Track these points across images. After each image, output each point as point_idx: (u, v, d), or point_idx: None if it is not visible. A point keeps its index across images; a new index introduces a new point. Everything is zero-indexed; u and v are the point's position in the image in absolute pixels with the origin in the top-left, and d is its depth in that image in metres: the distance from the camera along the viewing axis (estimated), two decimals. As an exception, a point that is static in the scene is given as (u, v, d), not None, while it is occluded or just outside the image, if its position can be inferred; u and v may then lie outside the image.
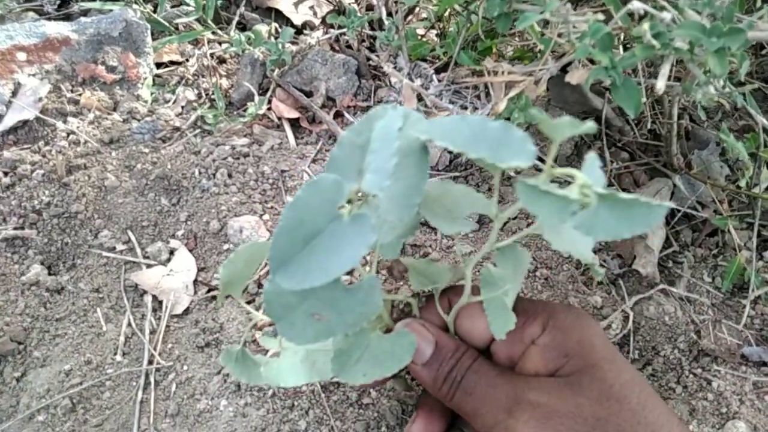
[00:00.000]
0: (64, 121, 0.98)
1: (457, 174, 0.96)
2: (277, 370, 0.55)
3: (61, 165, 0.91)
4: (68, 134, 0.96)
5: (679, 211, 0.90)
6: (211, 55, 1.18)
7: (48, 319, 0.80)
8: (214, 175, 0.93)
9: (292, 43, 1.16)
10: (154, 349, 0.77)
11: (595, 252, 0.86)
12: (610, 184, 0.91)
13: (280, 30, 1.12)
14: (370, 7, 1.24)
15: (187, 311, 0.82)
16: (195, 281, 0.84)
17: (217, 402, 0.72)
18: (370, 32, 1.16)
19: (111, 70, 1.06)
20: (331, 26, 1.21)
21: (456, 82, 0.98)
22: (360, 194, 0.44)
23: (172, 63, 1.19)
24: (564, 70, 0.81)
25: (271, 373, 0.55)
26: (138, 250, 0.87)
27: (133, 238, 0.89)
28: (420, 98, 1.01)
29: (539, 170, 0.87)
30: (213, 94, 1.08)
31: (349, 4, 1.23)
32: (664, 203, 0.35)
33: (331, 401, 0.72)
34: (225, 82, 1.14)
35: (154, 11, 1.13)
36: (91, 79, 1.05)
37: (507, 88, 0.80)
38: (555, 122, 0.36)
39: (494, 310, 0.55)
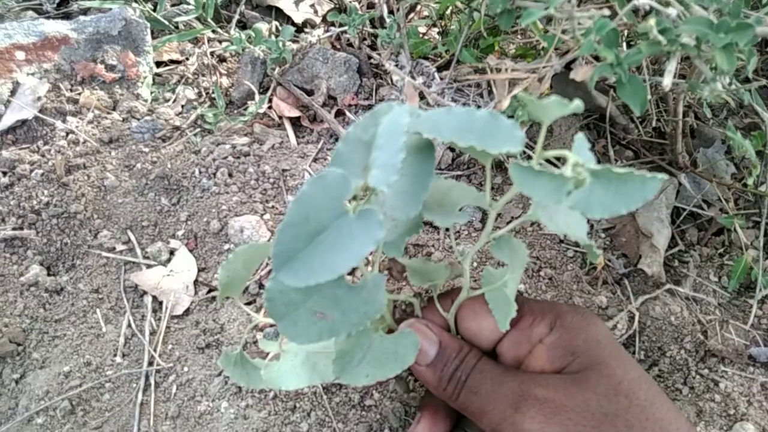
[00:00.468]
0: (63, 121, 0.97)
1: (459, 173, 0.95)
2: (278, 373, 0.54)
3: (60, 165, 0.90)
4: (67, 134, 0.95)
5: (684, 209, 0.89)
6: (212, 53, 1.17)
7: (47, 320, 0.79)
8: (214, 174, 0.93)
9: (293, 41, 1.15)
10: (154, 350, 0.76)
11: (601, 251, 0.85)
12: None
13: (280, 28, 1.12)
14: (371, 5, 1.23)
15: (187, 312, 0.81)
16: (195, 282, 0.83)
17: (218, 404, 0.71)
18: (372, 30, 1.15)
19: (110, 69, 1.05)
20: (332, 24, 1.20)
21: (458, 80, 0.98)
22: (365, 191, 0.43)
23: (172, 62, 1.19)
24: (568, 67, 0.80)
25: (271, 376, 0.54)
26: (138, 251, 0.87)
27: (132, 239, 0.88)
28: (422, 96, 1.00)
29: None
30: (213, 93, 1.07)
31: (350, 2, 1.22)
32: (658, 175, 0.34)
33: (333, 403, 0.71)
34: (225, 81, 1.13)
35: (154, 10, 1.12)
36: (91, 78, 1.04)
37: (510, 85, 0.79)
38: (543, 103, 0.36)
39: (496, 302, 0.55)
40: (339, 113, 1.06)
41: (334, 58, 1.10)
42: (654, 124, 0.89)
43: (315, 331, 0.45)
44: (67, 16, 1.19)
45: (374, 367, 0.51)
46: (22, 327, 0.78)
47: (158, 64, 1.16)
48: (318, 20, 1.28)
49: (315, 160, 0.98)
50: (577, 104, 0.36)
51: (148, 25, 1.10)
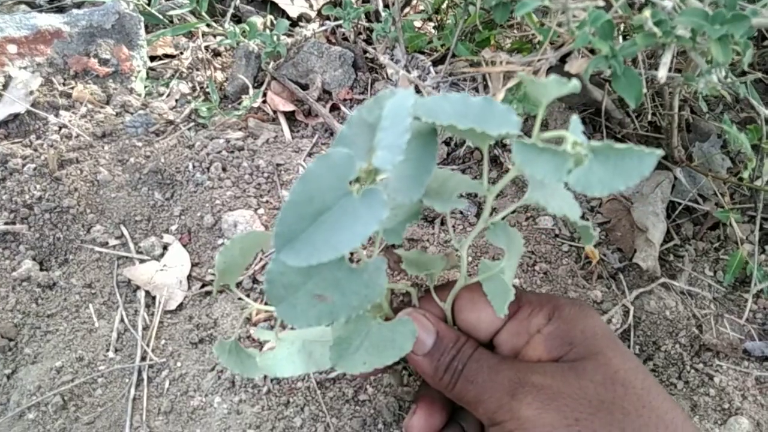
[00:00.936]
0: (56, 115, 0.96)
1: (455, 167, 0.95)
2: (273, 360, 0.54)
3: (53, 159, 0.90)
4: (60, 128, 0.95)
5: (680, 204, 0.88)
6: (206, 47, 1.16)
7: (39, 315, 0.78)
8: (208, 168, 0.92)
9: (288, 35, 1.14)
10: (147, 345, 0.76)
11: (595, 246, 0.84)
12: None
13: (275, 22, 1.11)
14: (366, -1, 1.23)
15: (180, 307, 0.80)
16: (189, 276, 0.83)
17: (211, 399, 0.71)
18: (367, 24, 1.15)
19: (104, 63, 1.04)
20: (327, 18, 1.19)
21: (453, 73, 0.97)
22: (368, 174, 0.43)
23: (166, 56, 1.18)
24: (563, 60, 0.79)
25: (266, 363, 0.53)
26: (131, 245, 0.86)
27: (126, 233, 0.87)
28: (417, 90, 1.00)
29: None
30: (207, 87, 1.07)
31: (346, -5, 1.21)
32: (656, 150, 0.34)
33: (326, 398, 0.71)
34: (220, 75, 1.13)
35: (148, 4, 1.11)
36: (84, 72, 1.03)
37: (505, 78, 0.78)
38: (541, 82, 0.36)
39: (493, 289, 0.55)
40: (334, 108, 1.06)
41: (329, 52, 1.09)
42: (649, 118, 0.89)
43: (314, 314, 0.44)
44: (60, 10, 1.18)
45: (372, 354, 0.51)
46: (14, 322, 0.77)
47: (152, 58, 1.15)
48: (313, 14, 1.27)
49: (310, 154, 0.97)
50: (575, 84, 0.36)
51: (142, 18, 1.09)
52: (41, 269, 0.83)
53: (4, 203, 0.86)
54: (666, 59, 0.58)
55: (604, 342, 0.53)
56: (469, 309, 0.58)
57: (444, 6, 1.16)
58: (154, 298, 0.81)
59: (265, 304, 0.75)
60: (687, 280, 0.82)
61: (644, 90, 0.64)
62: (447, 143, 0.98)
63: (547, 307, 0.56)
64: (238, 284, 0.81)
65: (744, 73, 0.85)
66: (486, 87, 0.97)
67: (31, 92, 0.96)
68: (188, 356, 0.75)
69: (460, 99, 0.42)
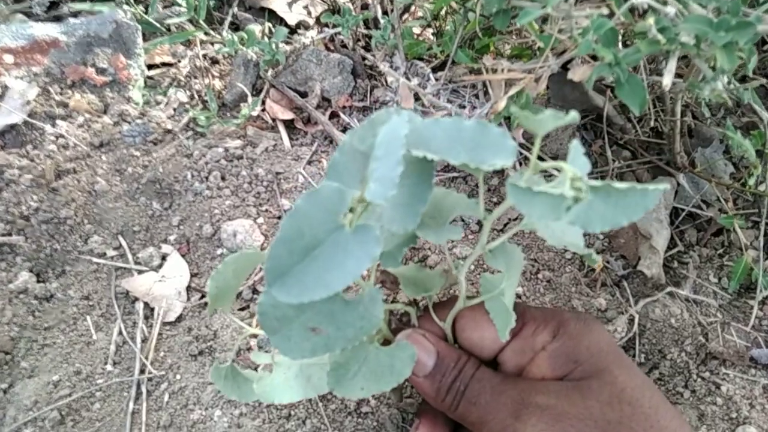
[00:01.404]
0: (53, 125, 0.95)
1: (456, 174, 0.94)
2: (270, 386, 0.53)
3: (50, 169, 0.89)
4: (57, 138, 0.94)
5: (683, 210, 0.88)
6: (204, 56, 1.16)
7: (36, 328, 0.77)
8: (206, 178, 0.91)
9: (286, 42, 1.14)
10: (146, 358, 0.75)
11: (598, 253, 0.84)
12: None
13: (273, 30, 1.10)
14: (365, 6, 1.22)
15: (179, 318, 0.79)
16: (188, 287, 0.82)
17: (211, 412, 0.70)
18: (366, 31, 1.14)
19: (101, 72, 1.04)
20: (326, 25, 1.19)
21: (454, 81, 0.96)
22: (362, 202, 0.42)
23: (164, 65, 1.17)
24: (565, 67, 0.79)
25: (263, 390, 0.52)
26: (129, 256, 0.85)
27: (124, 244, 0.86)
28: (417, 98, 0.99)
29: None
30: (205, 95, 1.06)
31: (344, 2, 1.21)
32: (660, 186, 0.34)
33: (329, 410, 0.70)
34: (218, 84, 1.12)
35: (146, 12, 1.10)
36: (81, 81, 1.02)
37: (507, 86, 0.78)
38: (537, 116, 0.35)
39: (495, 310, 0.54)
40: (333, 115, 1.05)
41: (328, 59, 1.08)
42: (652, 124, 0.88)
43: (309, 347, 0.44)
44: (57, 19, 1.17)
45: (370, 380, 0.50)
46: (11, 335, 0.76)
47: (150, 66, 1.15)
48: (311, 22, 1.27)
49: (309, 162, 0.97)
50: (573, 116, 0.35)
51: (139, 27, 1.09)
52: (38, 281, 0.82)
53: (0, 214, 0.85)
54: (671, 66, 0.57)
55: (610, 358, 0.52)
56: (471, 328, 0.57)
57: (443, 13, 1.15)
58: (152, 309, 0.80)
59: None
60: (692, 287, 0.81)
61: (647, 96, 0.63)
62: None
63: (552, 323, 0.55)
64: (238, 295, 0.80)
65: (745, 78, 0.84)
66: (486, 93, 0.96)
67: (28, 102, 0.95)
68: (188, 369, 0.74)
69: (452, 124, 0.41)
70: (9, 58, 0.98)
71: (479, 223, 0.89)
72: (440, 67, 1.06)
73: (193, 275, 0.83)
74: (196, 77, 1.12)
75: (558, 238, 0.48)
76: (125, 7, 1.10)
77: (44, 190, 0.87)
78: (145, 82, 1.10)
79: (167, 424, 0.69)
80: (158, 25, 1.16)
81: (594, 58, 0.71)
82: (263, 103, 1.05)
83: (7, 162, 0.89)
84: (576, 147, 0.37)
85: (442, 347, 0.55)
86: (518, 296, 0.79)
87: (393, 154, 0.39)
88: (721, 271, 0.85)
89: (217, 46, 1.15)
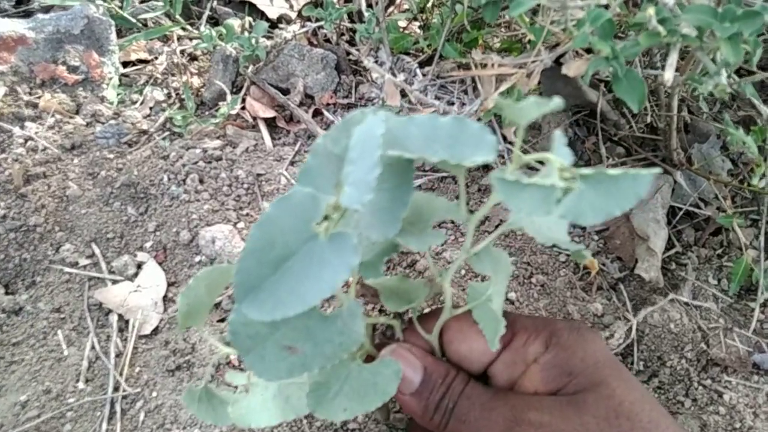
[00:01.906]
0: (21, 127, 0.91)
1: (444, 174, 0.90)
2: (247, 409, 0.49)
3: (18, 174, 0.84)
4: (26, 140, 0.89)
5: (680, 209, 0.84)
6: (182, 52, 1.11)
7: (3, 343, 0.73)
8: (184, 180, 0.87)
9: (267, 37, 1.10)
10: (120, 374, 0.71)
11: (594, 255, 0.80)
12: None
13: (253, 24, 1.06)
14: (348, -1, 1.18)
15: (156, 331, 0.75)
16: (165, 297, 0.78)
17: (189, 431, 0.66)
18: (350, 25, 1.10)
19: (72, 70, 0.99)
20: (308, 19, 1.14)
21: (441, 76, 0.93)
22: (338, 209, 0.39)
23: (141, 62, 1.12)
24: (558, 61, 0.75)
25: (239, 413, 0.49)
26: (103, 265, 0.81)
27: (97, 252, 0.82)
28: (404, 94, 0.95)
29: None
30: (183, 93, 1.02)
31: (327, -5, 1.17)
32: (651, 170, 0.31)
33: (314, 427, 0.66)
34: (196, 81, 1.07)
35: (121, 7, 1.05)
36: (51, 80, 0.98)
37: (497, 82, 0.74)
38: (518, 105, 0.33)
39: (484, 316, 0.51)
40: (317, 113, 1.01)
41: (311, 54, 1.04)
42: (647, 119, 0.85)
43: (285, 367, 0.41)
44: (27, 15, 1.13)
45: (352, 399, 0.47)
46: (-24, 352, 0.72)
47: (125, 64, 1.10)
48: (293, 15, 1.22)
49: (292, 163, 0.93)
50: (557, 102, 0.32)
51: (113, 22, 1.04)
52: (6, 293, 0.78)
53: (-36, 223, 0.80)
54: (672, 60, 0.54)
55: (606, 370, 0.49)
56: (459, 339, 0.54)
57: (429, 5, 1.11)
58: (127, 322, 0.76)
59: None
60: (691, 290, 0.78)
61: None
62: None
63: (544, 333, 0.52)
64: (217, 305, 0.76)
65: (742, 72, 0.81)
66: (476, 89, 0.93)
67: (-6, 103, 0.91)
68: (164, 385, 0.70)
69: (427, 121, 0.39)
70: (-27, 57, 0.93)
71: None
72: (427, 61, 1.03)
73: (170, 284, 0.79)
74: (173, 75, 1.08)
75: (546, 235, 0.45)
76: (98, 1, 1.05)
77: (12, 196, 0.83)
78: (120, 81, 1.06)
79: (143, 444, 0.66)
80: (133, 20, 1.11)
81: (588, 51, 0.68)
82: (243, 101, 1.01)
83: (-29, 167, 0.84)
84: (558, 137, 0.35)
85: (428, 362, 0.52)
86: (511, 302, 0.76)
87: (369, 155, 0.36)
88: (720, 272, 0.82)
89: (195, 42, 1.11)
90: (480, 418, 0.48)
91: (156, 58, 1.12)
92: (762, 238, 0.80)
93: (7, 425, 0.66)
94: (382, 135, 0.35)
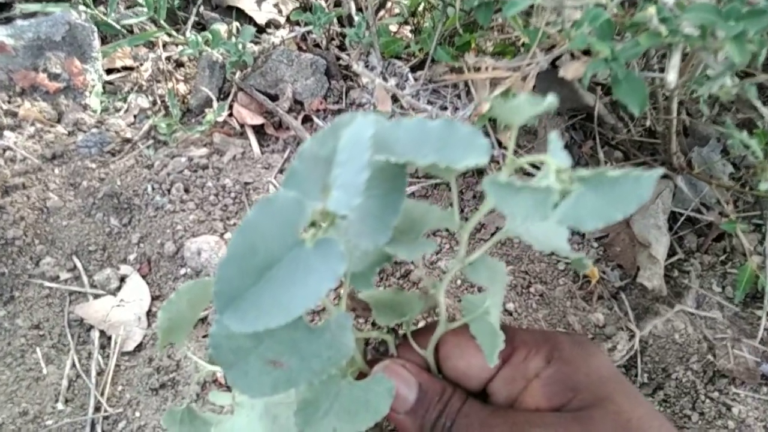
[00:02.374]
0: (0, 136, 0.88)
1: (438, 181, 0.88)
2: (232, 430, 0.47)
3: (-4, 185, 0.81)
4: (4, 150, 0.86)
5: (681, 214, 0.82)
6: (168, 58, 1.08)
7: (-21, 363, 0.70)
8: (169, 190, 0.84)
9: (255, 42, 1.07)
10: (102, 393, 0.68)
11: (594, 263, 0.78)
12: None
13: (240, 29, 1.03)
14: (338, 3, 1.15)
15: (139, 347, 0.72)
16: (148, 312, 0.75)
17: (173, 454, 0.63)
18: (340, 29, 1.08)
19: (54, 77, 0.96)
20: (297, 24, 1.12)
21: (434, 80, 0.90)
22: (325, 216, 0.36)
23: (125, 69, 1.10)
24: (553, 64, 0.73)
25: (223, 435, 0.46)
26: (84, 279, 0.78)
27: (79, 265, 0.79)
28: (395, 99, 0.93)
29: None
30: (168, 100, 0.99)
31: (316, 0, 1.14)
32: (654, 172, 0.29)
33: (304, 448, 0.63)
34: (182, 88, 1.05)
35: (106, 13, 1.03)
36: (32, 88, 0.95)
37: (491, 85, 0.71)
38: (511, 103, 0.32)
39: (481, 330, 0.48)
40: (306, 119, 0.98)
41: (300, 59, 1.02)
42: (646, 123, 0.82)
43: (269, 382, 0.38)
44: (8, 21, 1.09)
45: (343, 419, 0.44)
46: (-50, 372, 0.69)
47: (110, 71, 1.07)
48: (282, 20, 1.20)
49: (281, 171, 0.90)
50: (551, 100, 0.31)
51: (95, 28, 1.01)
52: (-17, 309, 0.75)
53: (-61, 237, 0.77)
54: (674, 61, 0.51)
55: (612, 385, 0.47)
56: (456, 355, 0.51)
57: (421, 9, 1.09)
58: (109, 338, 0.73)
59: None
60: (695, 298, 0.76)
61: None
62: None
63: (545, 347, 0.49)
64: (203, 320, 0.73)
65: (741, 74, 0.79)
66: (469, 93, 0.90)
67: (-28, 112, 0.88)
68: (148, 404, 0.67)
69: (415, 125, 0.37)
70: (-50, 65, 0.90)
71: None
72: (419, 66, 1.00)
73: (154, 298, 0.76)
74: (159, 81, 1.05)
75: (544, 242, 0.42)
76: (81, 7, 1.02)
77: (-11, 209, 0.80)
78: (104, 88, 1.03)
79: (125, 468, 0.62)
80: (118, 26, 1.08)
81: (586, 53, 0.65)
82: (230, 107, 0.98)
83: (-53, 178, 0.81)
84: (554, 140, 0.32)
85: (424, 378, 0.50)
86: (509, 313, 0.73)
87: (357, 158, 0.34)
88: (724, 279, 0.79)
89: (181, 48, 1.08)
90: None
91: (141, 64, 1.09)
92: (767, 244, 0.77)
93: (-20, 451, 0.63)
94: (372, 137, 0.33)
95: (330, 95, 1.01)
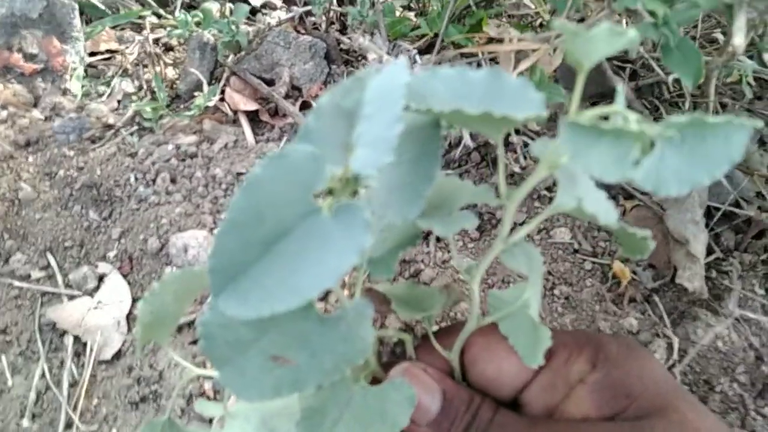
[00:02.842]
0: (-32, 121, 0.80)
1: (450, 171, 0.80)
2: (222, 447, 0.40)
3: (-39, 174, 0.73)
4: (-28, 136, 0.78)
5: (717, 209, 0.75)
6: (156, 41, 1.01)
7: (-64, 372, 0.62)
8: (153, 180, 0.76)
9: (249, 23, 0.99)
10: (74, 408, 0.60)
11: (624, 263, 0.70)
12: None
13: (233, 8, 0.96)
14: (339, -17, 1.08)
15: (118, 355, 0.65)
16: (129, 316, 0.67)
17: (154, 478, 0.55)
18: (341, 9, 1.00)
19: (30, 58, 0.88)
20: (294, 3, 1.04)
21: (444, 61, 0.83)
22: (345, 181, 0.30)
23: (110, 52, 1.02)
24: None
25: (213, 452, 0.39)
26: (59, 278, 0.70)
27: (53, 263, 0.71)
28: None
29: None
30: (155, 85, 0.91)
31: (316, -21, 1.07)
32: (748, 121, 0.25)
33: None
34: (172, 73, 0.97)
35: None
36: (5, 69, 0.87)
37: (516, 61, 0.64)
38: (587, 33, 0.26)
39: (517, 330, 0.41)
40: (305, 105, 0.90)
41: (297, 42, 0.94)
42: (684, 106, 0.75)
43: (271, 383, 0.32)
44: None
45: (354, 431, 0.37)
46: None
47: (94, 54, 1.00)
48: (279, 2, 1.12)
49: (277, 161, 0.82)
50: (633, 35, 0.26)
51: (76, 6, 0.93)
52: (-57, 312, 0.67)
53: None
54: (740, 23, 0.44)
55: (671, 392, 0.40)
56: (485, 359, 0.44)
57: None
58: (85, 344, 0.65)
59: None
60: (737, 301, 0.68)
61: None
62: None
63: (588, 348, 0.42)
64: (190, 324, 0.65)
65: None
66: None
67: (-63, 94, 0.80)
68: (126, 420, 0.59)
69: (456, 75, 0.31)
70: None
71: (480, 228, 0.75)
72: (427, 49, 0.93)
73: (135, 300, 0.68)
74: (145, 66, 0.97)
75: (594, 212, 0.35)
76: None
77: (-47, 200, 0.72)
78: (87, 71, 0.95)
79: (98, 494, 0.55)
80: (103, 6, 1.01)
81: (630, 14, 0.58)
82: (222, 92, 0.90)
83: None
84: (620, 92, 0.28)
85: (448, 386, 0.43)
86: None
87: (389, 109, 0.29)
88: (767, 280, 0.72)
89: (169, 29, 1.00)
90: None
91: (127, 47, 1.01)
92: (812, 241, 0.70)
93: (-70, 475, 0.55)
94: (406, 85, 0.28)
95: (330, 80, 0.94)
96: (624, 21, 0.57)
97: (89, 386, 0.62)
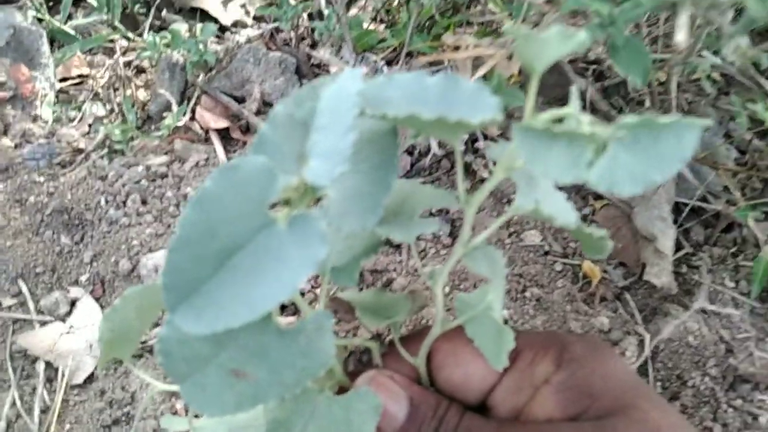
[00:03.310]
0: (-64, 151, 0.80)
1: (421, 179, 0.81)
2: (189, 462, 0.39)
3: (-70, 205, 0.73)
4: (-59, 166, 0.78)
5: (686, 205, 0.75)
6: (128, 64, 1.01)
7: None
8: (124, 202, 0.76)
9: (218, 42, 1.00)
10: (46, 434, 0.60)
11: (594, 262, 0.71)
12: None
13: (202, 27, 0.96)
14: (307, -2, 1.09)
15: (90, 379, 0.64)
16: (101, 338, 0.67)
17: (128, 501, 0.55)
18: (310, 24, 1.01)
19: (-2, 86, 0.88)
20: (263, 20, 1.05)
21: (411, 70, 0.83)
22: (301, 191, 0.30)
23: (82, 77, 1.02)
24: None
25: (180, 467, 0.39)
26: (30, 304, 0.70)
27: (24, 289, 0.71)
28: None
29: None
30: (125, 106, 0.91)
31: (284, -4, 1.07)
32: (699, 120, 0.25)
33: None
34: (143, 95, 0.97)
35: (49, 12, 0.95)
36: (-26, 98, 0.87)
37: (473, 67, 0.64)
38: (539, 37, 0.27)
39: (480, 332, 0.41)
40: (275, 121, 0.91)
41: (268, 58, 0.95)
42: (643, 107, 0.76)
43: (231, 397, 0.32)
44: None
45: None
46: None
47: (65, 80, 1.00)
48: (250, 21, 1.13)
49: (249, 177, 0.82)
50: (583, 37, 0.26)
51: (44, 33, 0.94)
52: None
53: None
54: (683, 20, 0.44)
55: (634, 391, 0.40)
56: (452, 363, 0.44)
57: (395, 4, 1.03)
58: (56, 370, 0.65)
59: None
60: (707, 295, 0.69)
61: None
62: (410, 152, 0.83)
63: (553, 349, 0.42)
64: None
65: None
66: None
67: None
68: (99, 444, 0.59)
69: (412, 80, 0.31)
70: None
71: (452, 234, 0.75)
72: (395, 60, 0.93)
73: (108, 322, 0.68)
74: (116, 89, 0.97)
75: (563, 216, 0.36)
76: (30, 12, 0.95)
77: None
78: (58, 97, 0.95)
79: None
80: (71, 32, 1.01)
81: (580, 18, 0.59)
82: (193, 112, 0.91)
83: None
84: (574, 94, 0.29)
85: (415, 391, 0.42)
86: (504, 320, 0.66)
87: (342, 119, 0.29)
88: (737, 273, 0.72)
89: (139, 51, 1.01)
90: None
91: (98, 71, 1.01)
92: (780, 232, 0.70)
93: None
94: (359, 93, 0.28)
95: (301, 95, 0.94)
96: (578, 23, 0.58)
97: (61, 411, 0.62)
